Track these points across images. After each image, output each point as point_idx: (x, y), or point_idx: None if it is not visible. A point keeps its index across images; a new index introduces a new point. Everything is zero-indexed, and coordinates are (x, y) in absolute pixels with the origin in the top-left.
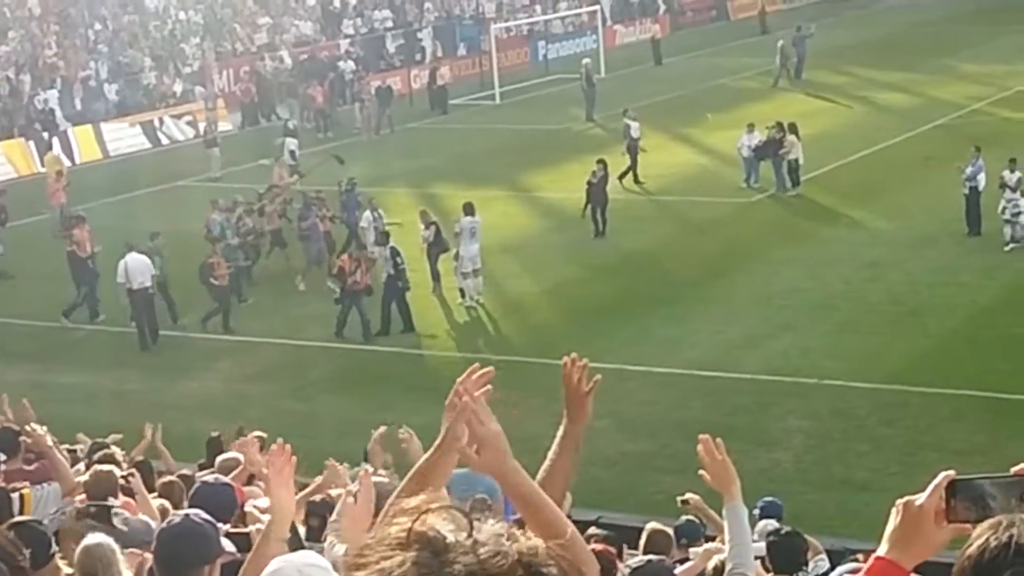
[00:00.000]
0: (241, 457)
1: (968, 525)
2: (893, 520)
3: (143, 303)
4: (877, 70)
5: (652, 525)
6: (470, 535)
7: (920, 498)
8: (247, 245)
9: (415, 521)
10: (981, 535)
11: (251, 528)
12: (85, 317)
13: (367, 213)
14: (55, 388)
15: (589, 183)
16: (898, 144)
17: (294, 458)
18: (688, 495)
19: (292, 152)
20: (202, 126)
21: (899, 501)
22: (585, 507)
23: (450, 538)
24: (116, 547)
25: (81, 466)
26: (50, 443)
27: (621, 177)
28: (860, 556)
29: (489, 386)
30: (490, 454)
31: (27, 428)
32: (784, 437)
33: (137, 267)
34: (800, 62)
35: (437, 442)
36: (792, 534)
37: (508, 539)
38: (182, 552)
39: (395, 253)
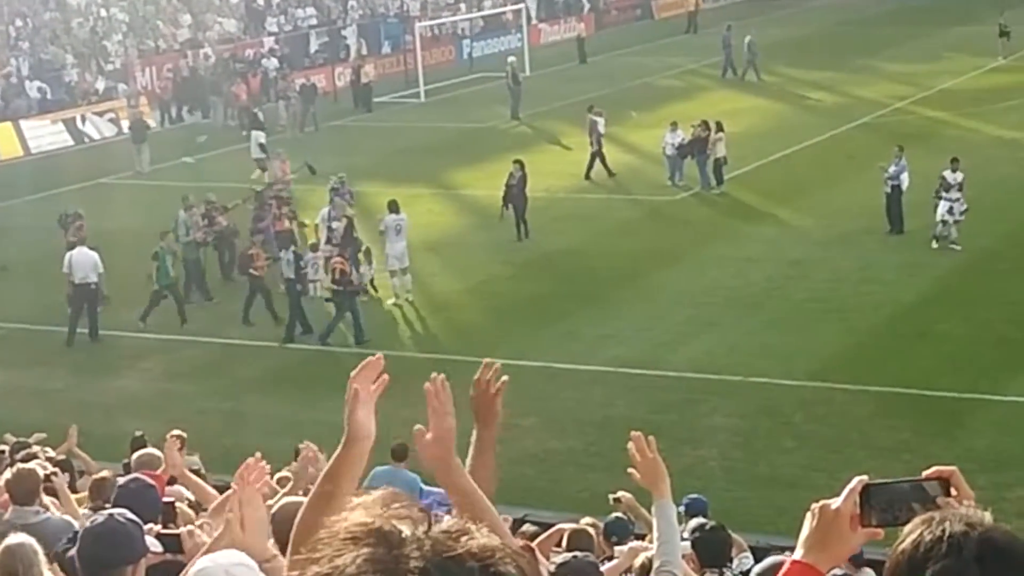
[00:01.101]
0: (158, 453)
1: (881, 530)
2: (808, 524)
3: (83, 298)
4: (802, 69)
5: (572, 524)
6: (427, 531)
7: (835, 502)
8: (222, 243)
9: (370, 516)
10: (914, 530)
11: (182, 530)
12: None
13: (324, 210)
14: None
15: (508, 185)
16: (822, 142)
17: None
18: (620, 493)
19: (261, 145)
20: (125, 123)
21: (814, 505)
22: (512, 505)
23: (406, 532)
24: (38, 548)
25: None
26: None
27: (587, 173)
28: (788, 554)
29: (386, 376)
30: (443, 447)
31: None
32: (710, 434)
33: (82, 261)
34: (728, 62)
35: (343, 439)
36: (717, 528)
37: (464, 535)
38: (104, 552)
39: (298, 257)
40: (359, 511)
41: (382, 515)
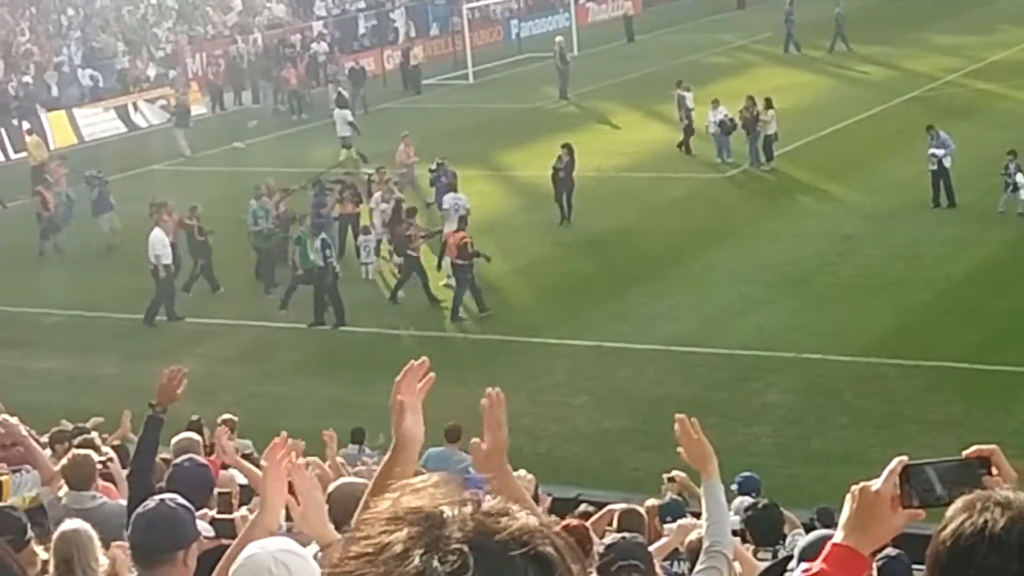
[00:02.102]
0: (197, 437)
1: (922, 510)
2: (848, 506)
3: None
4: (851, 43)
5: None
6: (472, 513)
7: (875, 484)
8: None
9: (416, 498)
10: (954, 518)
11: (235, 515)
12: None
13: (376, 195)
14: (34, 374)
15: (555, 168)
16: (871, 117)
17: (295, 450)
18: (674, 472)
19: (351, 123)
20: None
21: (854, 487)
22: (566, 484)
23: (448, 513)
24: (93, 533)
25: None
26: (24, 432)
27: (680, 145)
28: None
29: (432, 374)
30: (496, 461)
31: (1, 419)
32: (762, 412)
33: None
34: (790, 37)
35: (391, 447)
36: (769, 507)
37: (505, 516)
38: (155, 537)
39: (325, 245)
40: (405, 494)
41: (427, 497)
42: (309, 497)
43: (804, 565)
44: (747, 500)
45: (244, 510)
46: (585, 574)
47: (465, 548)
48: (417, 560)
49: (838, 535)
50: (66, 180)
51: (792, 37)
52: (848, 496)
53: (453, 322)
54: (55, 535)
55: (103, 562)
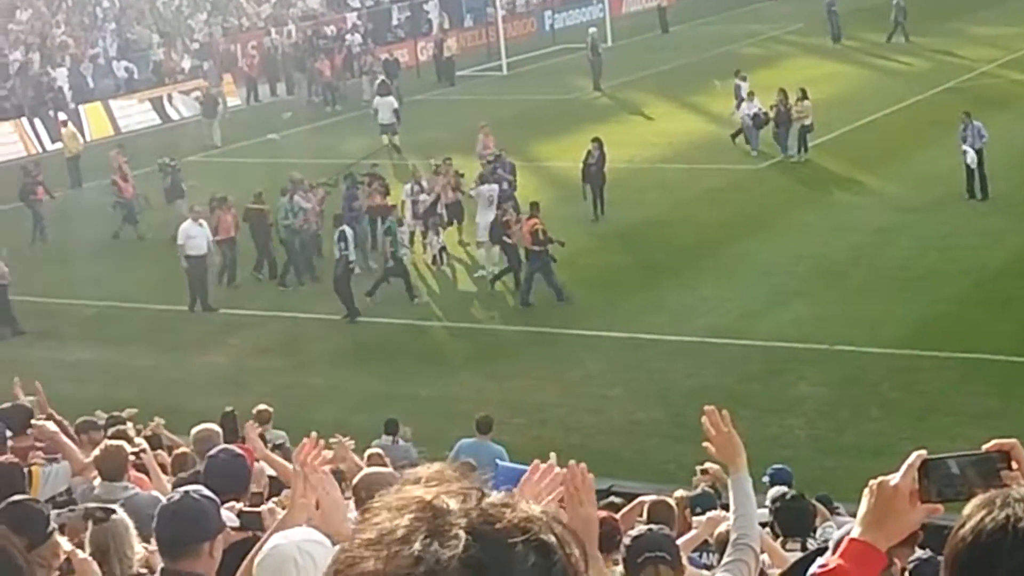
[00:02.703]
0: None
1: (941, 506)
2: (866, 501)
3: (198, 269)
4: (885, 33)
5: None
6: (475, 504)
7: (893, 478)
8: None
9: (420, 489)
10: (973, 515)
11: (263, 507)
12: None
13: (407, 186)
14: (70, 365)
15: (585, 163)
16: (907, 108)
17: (325, 452)
18: (707, 464)
19: (396, 111)
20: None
21: (872, 482)
22: (598, 475)
23: (453, 505)
24: (129, 523)
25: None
26: (54, 429)
27: (734, 136)
28: None
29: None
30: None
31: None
32: (796, 404)
33: (199, 234)
34: (833, 27)
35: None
36: (797, 498)
37: (508, 507)
38: (180, 530)
39: (341, 238)
40: (411, 485)
41: (432, 489)
42: (327, 497)
43: (820, 560)
44: (775, 491)
45: (272, 503)
46: (587, 560)
47: (466, 534)
48: (419, 544)
49: (855, 530)
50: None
51: (835, 27)
52: (866, 491)
53: (523, 307)
54: (91, 525)
55: (139, 551)
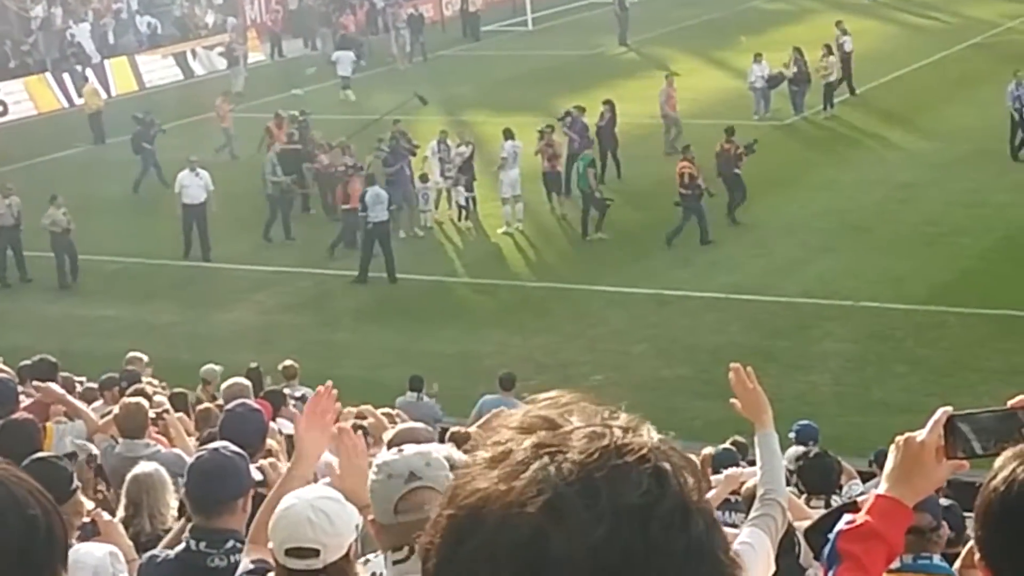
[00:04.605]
0: (247, 383)
1: (967, 461)
2: (893, 457)
3: (193, 217)
4: None
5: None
6: (598, 430)
7: (920, 434)
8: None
9: (544, 410)
10: (1005, 466)
11: (263, 462)
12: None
13: (432, 143)
14: (94, 321)
15: (597, 126)
16: (933, 64)
17: (338, 404)
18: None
19: (355, 63)
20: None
21: (899, 438)
22: None
23: (572, 425)
24: (167, 478)
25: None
26: (61, 392)
27: (844, 89)
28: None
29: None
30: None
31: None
32: (822, 360)
33: (193, 183)
34: None
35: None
36: (821, 455)
37: (630, 431)
38: (215, 486)
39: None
40: (537, 404)
41: (555, 411)
42: (349, 464)
43: (848, 516)
44: (799, 449)
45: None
46: (701, 490)
47: (586, 459)
48: (538, 467)
49: (882, 486)
50: (231, 117)
51: None
52: (892, 447)
53: (668, 246)
54: (128, 477)
55: (173, 506)
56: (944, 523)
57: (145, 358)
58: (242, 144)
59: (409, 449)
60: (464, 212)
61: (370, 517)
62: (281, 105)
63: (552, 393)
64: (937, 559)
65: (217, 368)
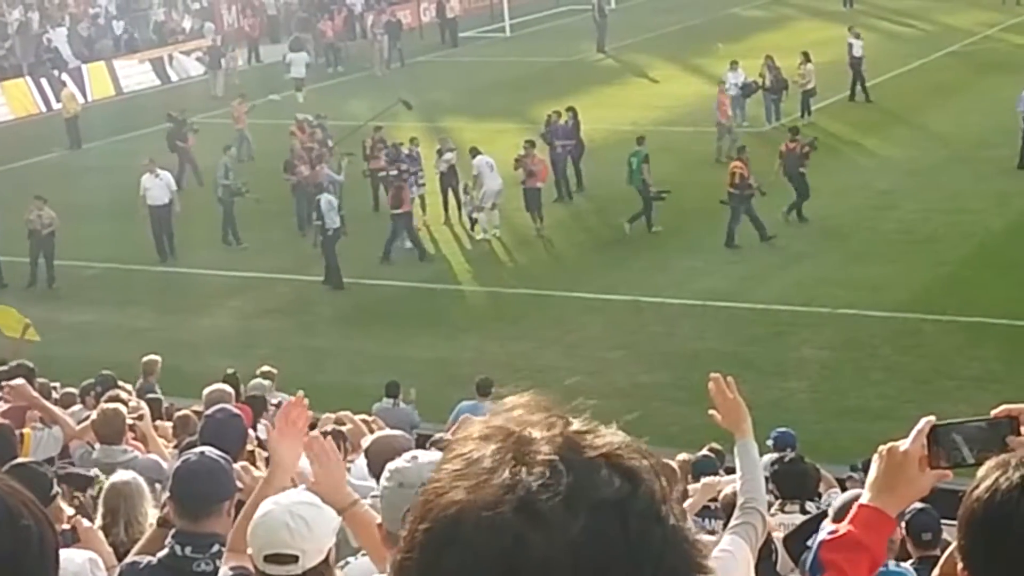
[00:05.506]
0: (229, 389)
1: (950, 471)
2: (876, 467)
3: (159, 219)
4: None
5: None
6: (562, 430)
7: (903, 444)
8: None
9: (504, 420)
10: (988, 476)
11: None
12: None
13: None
14: (72, 327)
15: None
16: (910, 72)
17: (310, 412)
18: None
19: (308, 66)
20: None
21: (881, 448)
22: None
23: (535, 429)
24: (144, 487)
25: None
26: (35, 394)
27: (852, 97)
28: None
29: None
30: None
31: (8, 384)
32: (798, 367)
33: (155, 185)
34: None
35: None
36: (796, 460)
37: (592, 433)
38: (201, 490)
39: (317, 206)
40: (494, 415)
41: (516, 419)
42: (323, 470)
43: (830, 526)
44: (773, 455)
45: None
46: (672, 489)
47: (554, 459)
48: (507, 472)
49: (865, 496)
50: (246, 119)
51: None
52: (876, 456)
53: (728, 247)
54: (106, 486)
55: (151, 515)
56: (898, 527)
57: (159, 360)
58: (245, 146)
59: (423, 457)
60: (471, 220)
61: (377, 521)
62: (258, 111)
63: (515, 397)
64: (892, 564)
65: (266, 383)
